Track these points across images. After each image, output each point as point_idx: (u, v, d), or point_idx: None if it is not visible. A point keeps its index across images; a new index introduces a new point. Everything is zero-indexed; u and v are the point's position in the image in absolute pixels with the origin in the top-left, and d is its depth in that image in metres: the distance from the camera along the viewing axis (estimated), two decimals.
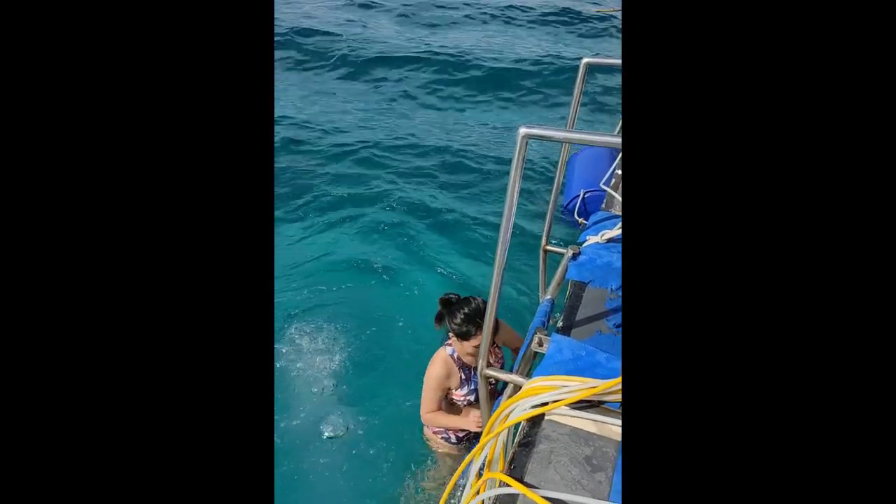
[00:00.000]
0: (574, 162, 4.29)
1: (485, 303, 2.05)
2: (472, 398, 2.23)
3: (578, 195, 4.39)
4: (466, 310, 2.05)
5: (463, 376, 2.20)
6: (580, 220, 4.37)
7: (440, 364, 2.14)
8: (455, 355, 2.18)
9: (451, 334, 2.14)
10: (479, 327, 2.01)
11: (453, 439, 2.37)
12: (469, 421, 2.16)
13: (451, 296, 2.17)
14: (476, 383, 2.19)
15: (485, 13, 11.99)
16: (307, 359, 3.39)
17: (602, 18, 12.19)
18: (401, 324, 3.72)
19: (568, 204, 4.54)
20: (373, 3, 12.33)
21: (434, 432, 2.40)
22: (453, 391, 2.21)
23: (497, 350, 2.27)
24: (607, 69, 7.98)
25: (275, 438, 2.80)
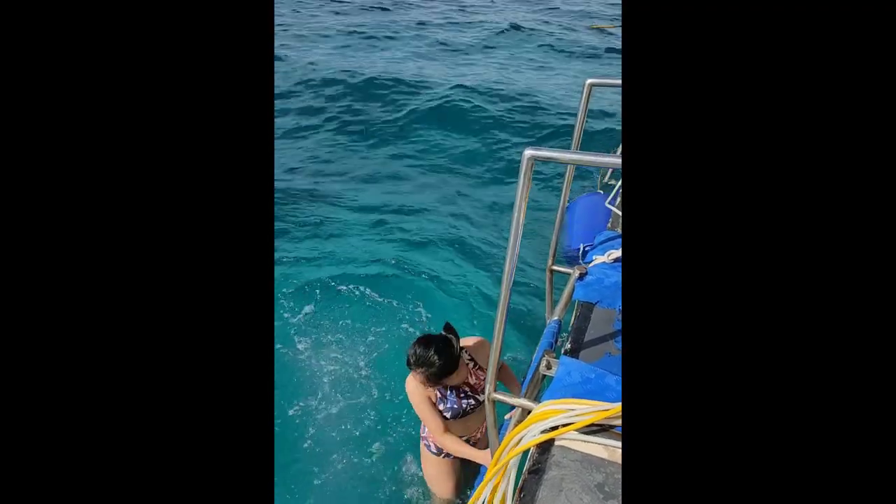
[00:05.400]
0: (573, 213, 4.12)
1: (438, 360, 1.98)
2: (448, 416, 2.18)
3: (580, 248, 4.33)
4: (417, 350, 2.02)
5: (438, 394, 2.17)
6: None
7: (412, 380, 2.12)
8: None
9: None
10: (420, 369, 2.00)
11: (433, 448, 2.35)
12: (485, 455, 2.09)
13: (444, 329, 2.11)
14: (452, 401, 2.17)
15: None
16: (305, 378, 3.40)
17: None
18: (396, 340, 3.73)
19: (569, 252, 4.46)
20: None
21: (422, 437, 2.39)
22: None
23: (479, 371, 2.24)
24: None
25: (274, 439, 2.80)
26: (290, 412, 3.14)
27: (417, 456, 2.54)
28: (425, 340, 2.04)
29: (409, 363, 2.04)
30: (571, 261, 4.30)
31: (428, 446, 2.38)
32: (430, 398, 2.15)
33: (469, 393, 2.18)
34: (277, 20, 14.35)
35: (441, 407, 2.17)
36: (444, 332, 2.09)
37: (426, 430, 2.35)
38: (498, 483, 1.36)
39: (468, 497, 1.53)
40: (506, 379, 2.35)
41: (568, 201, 2.39)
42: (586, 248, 4.31)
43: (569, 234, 4.18)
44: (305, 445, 2.96)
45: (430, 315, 3.97)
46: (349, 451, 2.94)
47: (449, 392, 2.17)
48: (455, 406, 2.18)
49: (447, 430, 2.15)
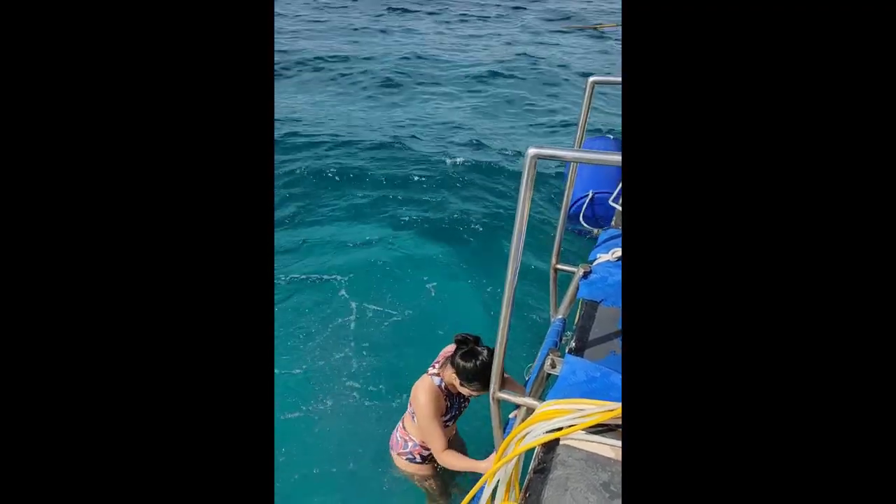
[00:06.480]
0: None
1: (490, 355, 1.98)
2: (451, 424, 2.23)
3: (587, 195, 4.24)
4: (477, 363, 2.00)
5: (448, 404, 2.19)
6: (594, 230, 4.27)
7: (429, 394, 2.11)
8: (443, 385, 2.15)
9: (437, 364, 2.15)
10: (482, 384, 1.99)
11: (418, 459, 2.34)
12: (486, 465, 2.10)
13: (468, 337, 2.10)
14: (456, 407, 2.20)
15: None
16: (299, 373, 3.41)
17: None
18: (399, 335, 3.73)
19: (574, 204, 4.38)
20: None
21: (399, 454, 2.37)
22: None
23: None
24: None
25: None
26: (286, 412, 3.14)
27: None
28: (475, 352, 2.00)
29: (473, 384, 1.99)
30: (577, 211, 4.18)
31: (412, 459, 2.34)
32: (441, 411, 2.15)
33: (464, 396, 2.20)
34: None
35: (446, 417, 2.18)
36: (467, 339, 2.07)
37: (408, 444, 2.33)
38: (510, 481, 1.36)
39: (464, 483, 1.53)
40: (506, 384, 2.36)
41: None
42: (595, 195, 4.21)
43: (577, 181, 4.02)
44: (303, 441, 2.96)
45: (432, 315, 3.96)
46: (345, 446, 2.93)
47: (455, 401, 2.19)
48: (456, 413, 2.20)
49: (448, 445, 2.15)
